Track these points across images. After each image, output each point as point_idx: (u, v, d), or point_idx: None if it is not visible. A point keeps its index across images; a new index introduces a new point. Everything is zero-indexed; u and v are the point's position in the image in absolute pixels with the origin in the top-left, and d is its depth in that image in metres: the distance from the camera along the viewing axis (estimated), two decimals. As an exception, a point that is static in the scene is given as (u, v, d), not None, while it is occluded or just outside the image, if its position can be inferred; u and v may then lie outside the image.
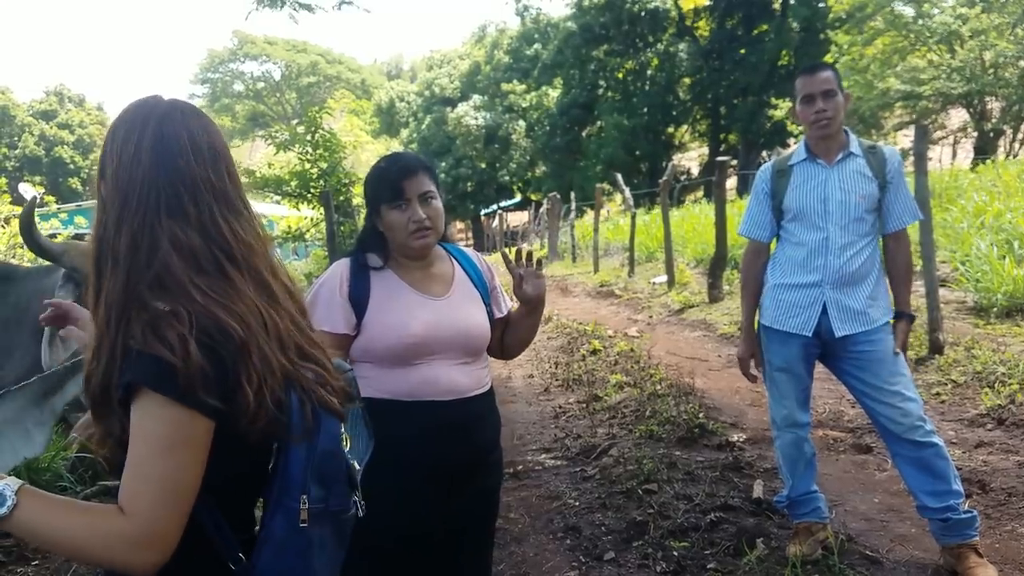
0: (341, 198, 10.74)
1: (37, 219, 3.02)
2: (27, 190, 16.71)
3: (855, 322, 3.32)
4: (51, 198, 17.63)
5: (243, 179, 1.47)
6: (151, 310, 1.22)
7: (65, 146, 49.72)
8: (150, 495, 1.18)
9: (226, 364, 1.23)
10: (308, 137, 11.04)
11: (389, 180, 2.22)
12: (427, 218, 2.19)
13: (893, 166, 3.36)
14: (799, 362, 3.48)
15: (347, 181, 11.01)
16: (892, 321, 3.38)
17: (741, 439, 5.07)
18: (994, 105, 22.81)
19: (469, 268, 2.39)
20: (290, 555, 1.33)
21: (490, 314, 2.37)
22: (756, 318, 3.62)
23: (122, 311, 1.24)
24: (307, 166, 11.08)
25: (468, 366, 2.27)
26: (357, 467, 1.50)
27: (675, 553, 3.62)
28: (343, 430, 1.46)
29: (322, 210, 9.53)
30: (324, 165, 10.87)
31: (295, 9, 9.40)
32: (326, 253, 9.50)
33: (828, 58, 24.88)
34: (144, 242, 1.27)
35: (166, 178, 1.31)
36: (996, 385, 5.31)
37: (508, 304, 2.49)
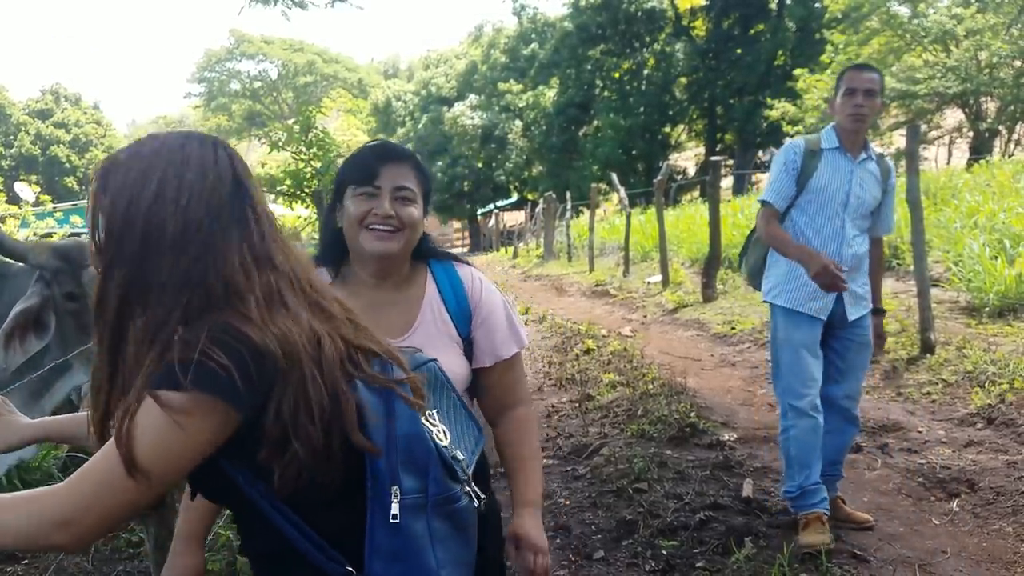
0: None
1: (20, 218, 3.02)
2: (23, 189, 16.69)
3: (859, 305, 3.65)
4: (47, 197, 17.58)
5: None
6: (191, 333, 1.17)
7: (61, 145, 49.58)
8: (89, 479, 1.16)
9: (264, 383, 1.16)
10: (302, 136, 11.04)
11: (364, 159, 1.80)
12: (395, 216, 1.75)
13: (892, 179, 3.70)
14: (817, 344, 3.64)
15: (341, 180, 10.96)
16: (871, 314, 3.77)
17: (732, 438, 5.08)
18: (990, 105, 22.81)
19: (448, 292, 1.87)
20: (402, 556, 1.26)
21: (468, 356, 1.87)
22: (767, 295, 3.80)
23: (171, 330, 1.18)
24: (301, 165, 11.08)
25: None
26: (461, 456, 1.39)
27: (664, 552, 3.63)
28: (430, 415, 1.38)
29: (316, 209, 9.54)
30: (318, 164, 10.85)
31: (287, 7, 9.38)
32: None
33: (824, 58, 24.89)
34: (210, 261, 1.22)
35: (234, 194, 1.27)
36: (986, 385, 5.33)
37: (510, 346, 1.90)
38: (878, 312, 3.80)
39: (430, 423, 1.36)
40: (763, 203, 3.69)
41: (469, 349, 1.86)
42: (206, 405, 1.13)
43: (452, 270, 1.90)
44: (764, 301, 3.84)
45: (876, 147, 3.72)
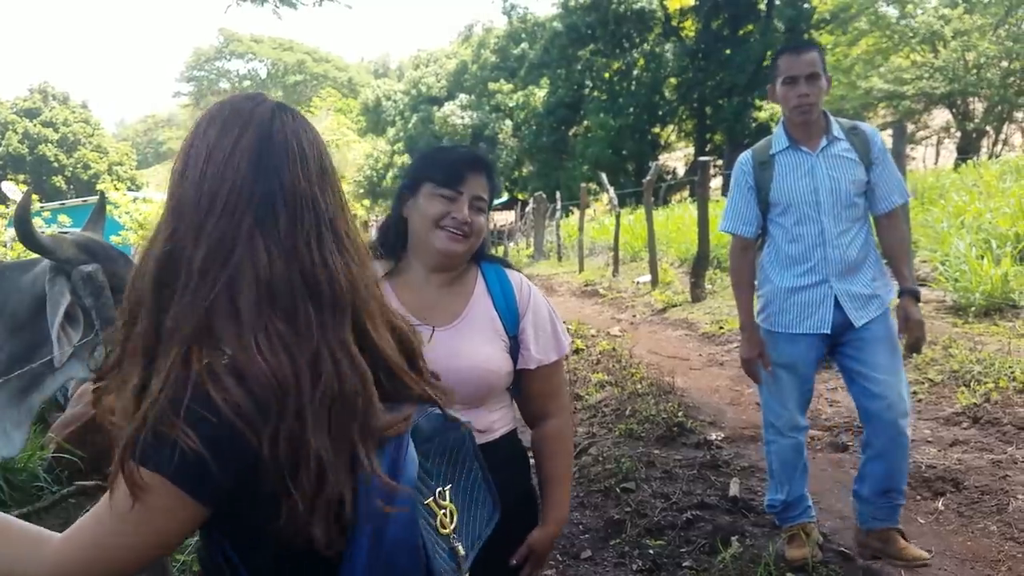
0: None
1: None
2: (10, 188, 16.57)
3: (869, 307, 3.24)
4: (35, 196, 17.50)
5: None
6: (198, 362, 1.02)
7: (49, 144, 49.39)
8: (86, 545, 1.05)
9: (242, 452, 1.01)
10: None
11: (452, 162, 1.85)
12: (469, 223, 1.83)
13: (876, 145, 3.26)
14: (806, 362, 3.34)
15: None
16: (896, 299, 3.32)
17: (719, 437, 5.10)
18: (977, 105, 22.97)
19: (497, 292, 1.93)
20: None
21: (513, 356, 1.91)
22: (756, 316, 3.47)
23: (173, 343, 1.04)
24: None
25: (470, 410, 1.80)
26: (462, 551, 1.21)
27: (651, 551, 3.64)
28: (441, 492, 1.20)
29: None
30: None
31: (277, 5, 9.36)
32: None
33: (812, 58, 24.99)
34: (220, 258, 1.06)
35: (264, 186, 1.10)
36: (972, 384, 5.35)
37: (550, 352, 1.94)
38: (906, 293, 3.28)
39: (437, 505, 1.18)
40: (728, 232, 3.47)
41: (515, 349, 1.90)
42: (164, 489, 1.00)
43: (502, 273, 1.97)
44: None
45: (844, 120, 3.35)
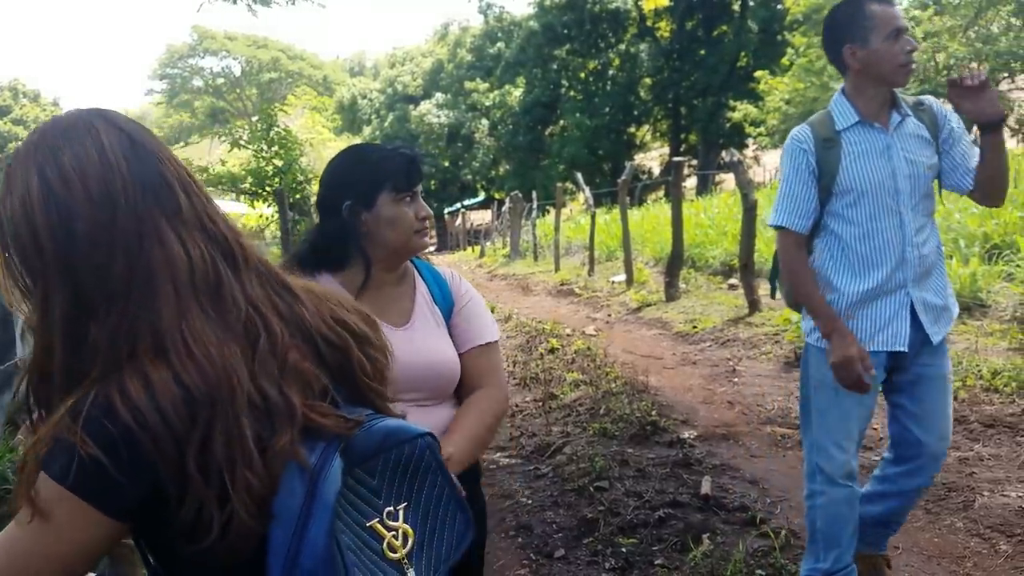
0: (297, 196, 10.71)
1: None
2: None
3: (942, 321, 2.74)
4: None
5: (198, 176, 1.22)
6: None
7: (19, 142, 48.94)
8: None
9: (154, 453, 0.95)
10: (264, 134, 10.99)
11: (401, 166, 1.82)
12: (429, 216, 1.90)
13: (949, 122, 2.77)
14: (875, 386, 2.75)
15: (303, 179, 10.97)
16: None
17: (691, 436, 5.13)
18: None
19: (433, 284, 1.97)
20: None
21: None
22: (808, 336, 2.86)
23: (94, 369, 0.99)
24: (262, 163, 11.03)
25: (430, 408, 1.84)
26: None
27: (624, 550, 3.65)
28: (392, 512, 1.06)
29: (278, 208, 9.50)
30: (279, 163, 10.81)
31: (252, 1, 9.30)
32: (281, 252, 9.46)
33: (785, 60, 25.20)
34: (133, 263, 1.00)
35: (152, 172, 1.04)
36: (940, 382, 5.41)
37: (485, 335, 1.97)
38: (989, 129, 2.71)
39: (384, 527, 1.04)
40: (778, 228, 2.77)
41: (451, 336, 1.94)
42: (71, 504, 0.95)
43: (431, 266, 2.02)
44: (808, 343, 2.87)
45: (906, 97, 2.76)
